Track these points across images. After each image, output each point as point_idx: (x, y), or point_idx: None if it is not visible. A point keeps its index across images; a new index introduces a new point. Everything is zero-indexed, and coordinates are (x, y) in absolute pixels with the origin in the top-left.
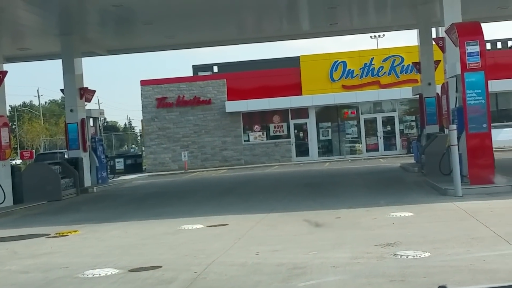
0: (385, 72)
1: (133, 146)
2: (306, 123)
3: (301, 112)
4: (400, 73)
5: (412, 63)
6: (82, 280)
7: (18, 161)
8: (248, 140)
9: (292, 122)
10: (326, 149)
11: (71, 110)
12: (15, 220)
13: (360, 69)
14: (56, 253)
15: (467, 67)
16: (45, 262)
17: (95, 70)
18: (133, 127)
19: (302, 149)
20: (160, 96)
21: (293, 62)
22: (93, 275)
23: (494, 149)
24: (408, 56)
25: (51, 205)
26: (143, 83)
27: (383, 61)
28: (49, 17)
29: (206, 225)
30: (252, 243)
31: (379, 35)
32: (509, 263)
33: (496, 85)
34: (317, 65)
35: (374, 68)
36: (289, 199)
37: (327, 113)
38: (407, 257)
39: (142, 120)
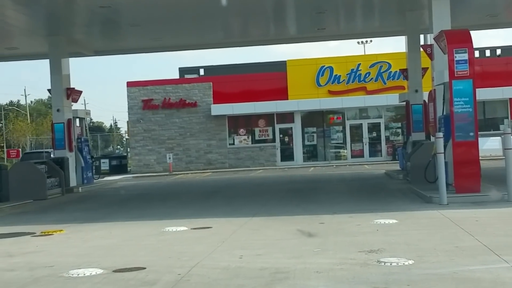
0: (372, 78)
1: (118, 147)
2: (291, 127)
3: (287, 116)
4: (387, 80)
5: (399, 69)
6: (66, 279)
7: None
8: (233, 144)
9: (277, 126)
10: (311, 154)
11: (58, 110)
12: (1, 218)
13: (346, 74)
14: (41, 252)
15: (455, 75)
16: (30, 261)
17: (82, 70)
18: (119, 128)
19: (287, 154)
20: (146, 98)
21: (280, 67)
22: (78, 274)
23: (480, 158)
24: (395, 62)
25: (37, 204)
26: (130, 84)
27: (370, 67)
28: (37, 17)
29: (190, 228)
30: (235, 247)
31: (367, 41)
32: (493, 272)
33: (484, 94)
34: (304, 70)
35: (360, 74)
36: (273, 204)
37: (312, 118)
38: (390, 264)
39: (128, 122)
